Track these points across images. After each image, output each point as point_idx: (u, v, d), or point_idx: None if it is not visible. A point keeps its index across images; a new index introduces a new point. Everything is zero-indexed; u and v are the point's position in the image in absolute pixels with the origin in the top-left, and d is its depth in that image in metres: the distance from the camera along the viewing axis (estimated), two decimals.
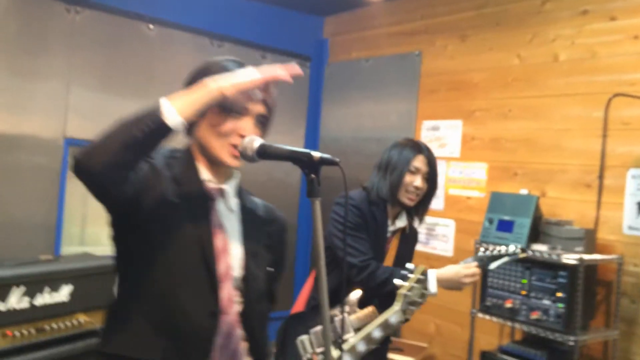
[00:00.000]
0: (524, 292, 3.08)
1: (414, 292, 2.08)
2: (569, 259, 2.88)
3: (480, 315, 3.26)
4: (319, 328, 2.23)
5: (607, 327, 3.11)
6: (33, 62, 3.42)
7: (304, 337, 1.94)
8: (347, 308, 2.06)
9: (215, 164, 1.50)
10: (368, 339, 1.94)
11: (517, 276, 3.12)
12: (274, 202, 1.70)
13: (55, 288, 2.79)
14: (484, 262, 2.40)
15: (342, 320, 1.54)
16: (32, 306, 2.69)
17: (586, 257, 2.91)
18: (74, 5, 3.58)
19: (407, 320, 2.10)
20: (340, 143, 4.70)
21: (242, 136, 1.42)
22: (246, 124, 1.45)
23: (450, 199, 3.97)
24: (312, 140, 4.92)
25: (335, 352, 1.63)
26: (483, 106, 3.83)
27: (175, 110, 1.31)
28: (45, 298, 2.74)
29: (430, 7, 4.21)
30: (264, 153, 1.33)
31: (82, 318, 2.91)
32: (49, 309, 2.75)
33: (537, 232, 3.19)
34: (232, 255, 1.49)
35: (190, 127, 1.49)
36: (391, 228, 2.48)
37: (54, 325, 2.77)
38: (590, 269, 3.03)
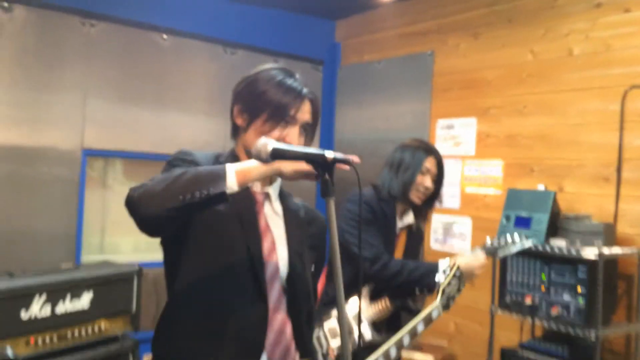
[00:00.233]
0: (543, 288, 3.05)
1: (452, 287, 2.21)
2: (589, 253, 2.85)
3: (500, 312, 3.23)
4: (333, 323, 2.26)
5: (629, 321, 3.06)
6: (49, 75, 3.49)
7: (319, 333, 1.97)
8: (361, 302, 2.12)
9: None
10: (413, 332, 2.00)
11: (537, 272, 3.09)
12: None
13: (76, 295, 2.84)
14: (492, 251, 2.48)
15: (358, 314, 1.55)
16: (54, 314, 2.74)
17: (606, 251, 2.87)
18: (88, 19, 3.65)
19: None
20: (355, 145, 4.70)
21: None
22: (293, 133, 1.50)
23: (467, 197, 3.95)
24: (326, 143, 4.93)
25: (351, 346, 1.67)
26: (497, 103, 3.81)
27: (236, 181, 1.32)
28: (66, 306, 2.79)
29: (441, 7, 4.20)
30: (278, 155, 1.34)
31: (103, 324, 2.95)
32: (70, 317, 2.80)
33: (556, 227, 3.16)
34: (279, 256, 1.55)
35: (237, 131, 1.56)
36: (399, 225, 2.59)
37: (76, 333, 2.82)
38: (611, 263, 2.98)
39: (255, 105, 1.53)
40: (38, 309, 2.68)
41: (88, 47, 3.64)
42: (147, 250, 4.00)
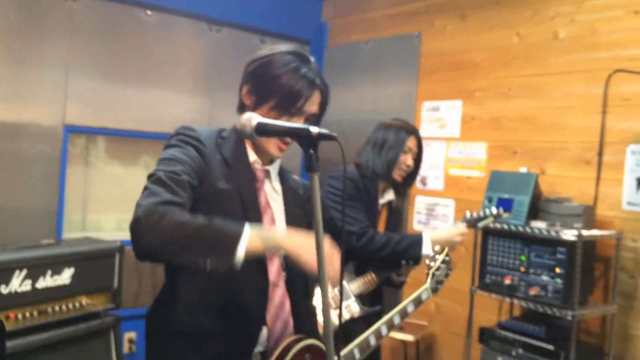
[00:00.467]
0: (522, 269, 3.08)
1: (441, 272, 2.29)
2: (568, 235, 2.88)
3: (479, 292, 3.27)
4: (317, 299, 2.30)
5: (605, 302, 3.11)
6: (31, 51, 3.43)
7: None
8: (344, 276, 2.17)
9: (260, 151, 1.57)
10: (403, 313, 2.06)
11: (517, 253, 3.12)
12: None
13: (57, 271, 2.83)
14: (472, 223, 2.65)
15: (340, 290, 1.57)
16: (34, 289, 2.73)
17: (585, 233, 2.90)
18: None
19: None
20: (341, 126, 4.68)
21: None
22: (297, 123, 1.50)
23: (451, 179, 3.97)
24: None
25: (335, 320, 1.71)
26: (483, 86, 3.81)
27: (245, 250, 1.31)
28: (47, 281, 2.78)
29: None
30: (263, 130, 1.34)
31: (85, 301, 2.95)
32: (51, 292, 2.79)
33: (537, 209, 3.19)
34: None
35: (243, 108, 1.57)
36: (381, 201, 2.69)
37: (56, 308, 2.81)
38: (589, 244, 3.02)
39: (266, 89, 1.53)
40: (18, 284, 2.67)
41: (70, 22, 3.58)
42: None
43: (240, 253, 1.29)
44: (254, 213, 1.52)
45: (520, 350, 3.05)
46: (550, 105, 3.45)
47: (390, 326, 1.97)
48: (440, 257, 2.32)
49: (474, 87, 3.86)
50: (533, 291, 2.99)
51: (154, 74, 3.93)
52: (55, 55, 3.52)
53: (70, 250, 2.94)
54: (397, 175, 2.65)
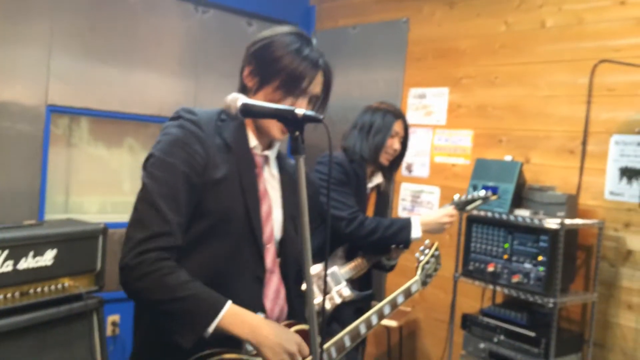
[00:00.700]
0: (505, 257, 3.11)
1: (430, 265, 2.32)
2: (551, 223, 2.91)
3: (463, 279, 3.30)
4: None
5: (586, 290, 3.16)
6: (14, 28, 3.36)
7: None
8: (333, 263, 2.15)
9: (262, 133, 1.55)
10: (393, 303, 2.07)
11: (500, 241, 3.15)
12: None
13: (39, 252, 2.79)
14: (460, 206, 2.66)
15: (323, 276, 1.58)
16: (16, 270, 2.69)
17: (567, 221, 2.93)
18: None
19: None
20: (327, 111, 4.68)
21: None
22: (302, 104, 1.50)
23: (436, 166, 3.98)
24: None
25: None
26: (470, 73, 3.82)
27: (221, 327, 1.37)
28: (29, 262, 2.74)
29: None
30: (248, 111, 1.32)
31: (67, 282, 2.92)
32: (32, 273, 2.75)
33: (521, 198, 3.21)
34: (274, 220, 1.57)
35: (244, 91, 1.54)
36: (369, 185, 2.71)
37: (38, 289, 2.78)
38: (571, 233, 3.06)
39: (268, 70, 1.51)
40: None
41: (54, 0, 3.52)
42: (113, 211, 3.95)
43: (213, 327, 1.35)
44: (252, 201, 1.51)
45: (502, 337, 3.09)
46: (535, 94, 3.47)
47: (381, 316, 1.98)
48: (429, 252, 2.35)
49: (461, 74, 3.86)
50: (515, 278, 3.02)
51: (139, 54, 3.88)
52: (37, 33, 3.45)
53: (53, 231, 2.89)
54: (384, 159, 2.66)
